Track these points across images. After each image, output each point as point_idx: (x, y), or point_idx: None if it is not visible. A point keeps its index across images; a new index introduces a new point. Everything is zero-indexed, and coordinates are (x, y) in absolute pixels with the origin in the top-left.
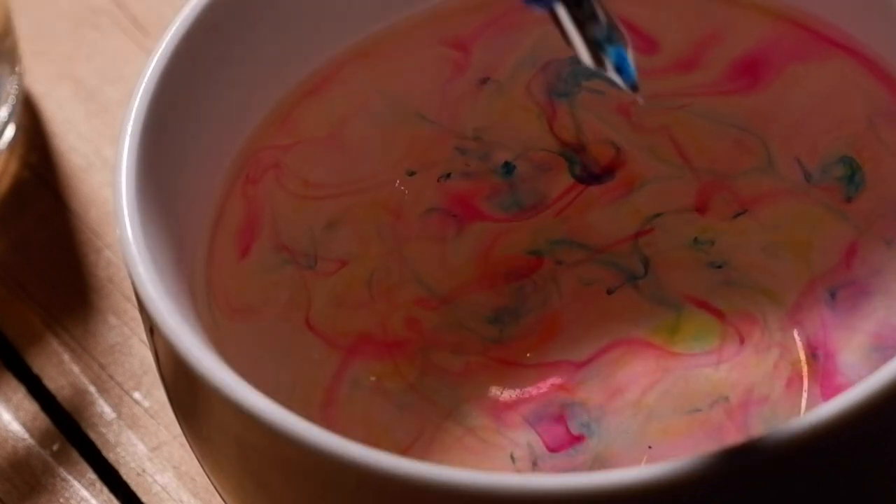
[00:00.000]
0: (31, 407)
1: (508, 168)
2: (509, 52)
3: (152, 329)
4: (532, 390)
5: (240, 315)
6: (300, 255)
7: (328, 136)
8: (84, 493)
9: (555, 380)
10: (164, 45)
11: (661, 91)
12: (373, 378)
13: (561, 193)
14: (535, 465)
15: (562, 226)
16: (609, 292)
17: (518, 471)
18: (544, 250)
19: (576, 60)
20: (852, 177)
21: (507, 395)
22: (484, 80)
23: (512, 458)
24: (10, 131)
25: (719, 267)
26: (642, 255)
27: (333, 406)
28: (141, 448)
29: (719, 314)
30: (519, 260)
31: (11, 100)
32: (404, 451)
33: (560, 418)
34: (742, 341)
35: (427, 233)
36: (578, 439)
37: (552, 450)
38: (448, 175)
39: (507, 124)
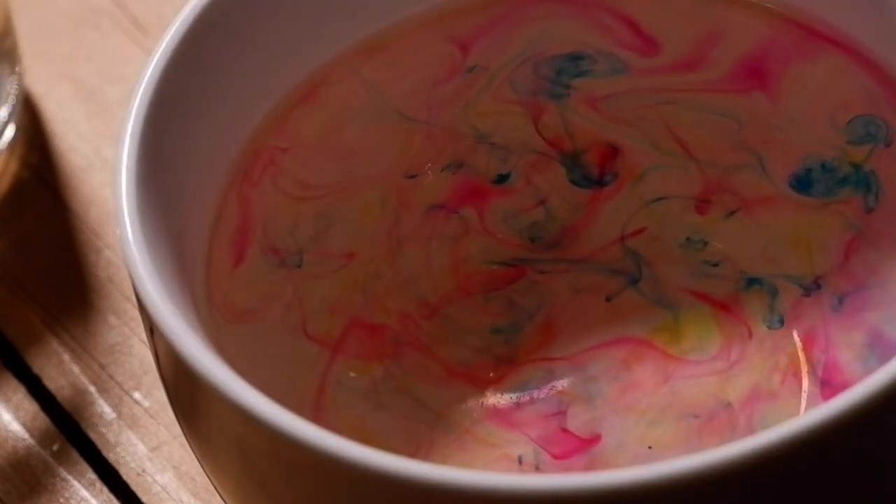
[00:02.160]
0: (31, 407)
1: (503, 176)
2: (505, 52)
3: (152, 329)
4: (534, 393)
5: (238, 317)
6: (295, 257)
7: (326, 136)
8: (84, 493)
9: (556, 382)
10: (164, 45)
11: (661, 87)
12: (354, 376)
13: (558, 195)
14: (537, 468)
15: (557, 230)
16: (608, 298)
17: (521, 472)
18: (533, 260)
19: (569, 59)
20: (869, 185)
21: (509, 397)
22: (471, 69)
23: (520, 459)
24: (10, 131)
25: (715, 265)
26: (635, 256)
27: (325, 409)
28: (141, 448)
29: (723, 306)
30: (509, 271)
31: (11, 100)
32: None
33: (561, 420)
34: (750, 335)
35: (424, 235)
36: (580, 441)
37: (553, 451)
38: (452, 171)
39: (505, 127)
